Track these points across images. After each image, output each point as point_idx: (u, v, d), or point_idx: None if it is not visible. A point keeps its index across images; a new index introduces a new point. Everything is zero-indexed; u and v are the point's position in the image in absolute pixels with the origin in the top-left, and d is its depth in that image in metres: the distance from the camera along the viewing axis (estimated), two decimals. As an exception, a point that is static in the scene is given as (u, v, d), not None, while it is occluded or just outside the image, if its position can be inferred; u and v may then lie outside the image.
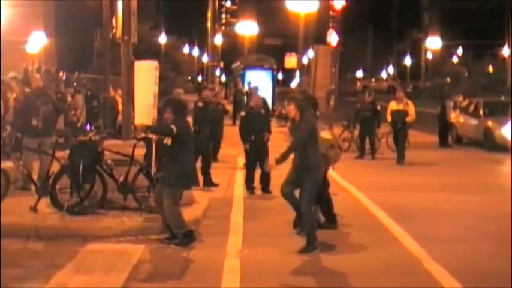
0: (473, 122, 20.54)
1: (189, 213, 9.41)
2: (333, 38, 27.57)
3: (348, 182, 13.04)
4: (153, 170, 9.03)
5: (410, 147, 18.27)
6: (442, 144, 20.89)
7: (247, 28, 49.68)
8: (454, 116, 21.32)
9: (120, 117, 15.43)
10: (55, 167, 9.71)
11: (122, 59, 11.36)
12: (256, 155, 11.78)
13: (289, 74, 60.41)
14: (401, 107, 16.73)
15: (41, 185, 9.67)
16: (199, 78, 54.19)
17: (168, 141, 8.23)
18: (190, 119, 10.56)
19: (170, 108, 8.33)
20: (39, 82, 11.91)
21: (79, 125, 16.29)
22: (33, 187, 9.92)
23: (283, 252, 8.07)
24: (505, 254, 7.96)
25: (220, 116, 15.58)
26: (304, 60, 45.96)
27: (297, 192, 8.37)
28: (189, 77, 58.81)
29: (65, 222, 8.84)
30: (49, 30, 36.08)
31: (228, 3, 45.58)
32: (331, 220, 9.30)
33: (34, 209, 9.18)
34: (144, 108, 9.88)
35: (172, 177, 8.30)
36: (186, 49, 63.55)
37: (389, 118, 17.00)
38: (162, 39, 48.89)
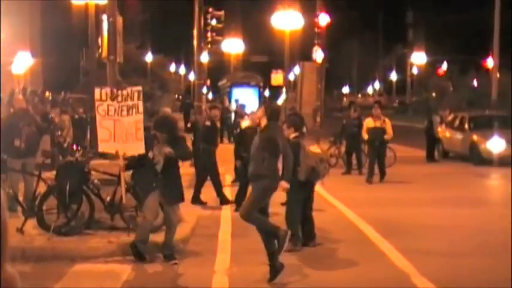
0: (459, 136, 20.68)
1: (177, 232, 9.38)
2: (318, 54, 27.80)
3: (335, 198, 13.08)
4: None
5: (397, 162, 18.39)
6: (428, 159, 21.00)
7: (233, 46, 49.89)
8: (441, 131, 21.47)
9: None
10: (42, 188, 9.68)
11: (108, 79, 11.39)
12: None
13: (275, 90, 60.63)
14: (378, 124, 16.09)
15: (28, 206, 9.63)
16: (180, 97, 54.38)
17: (160, 161, 8.28)
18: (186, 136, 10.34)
19: (166, 129, 8.40)
20: (22, 103, 11.90)
21: (65, 145, 16.24)
22: (19, 208, 9.87)
23: (266, 268, 8.05)
24: (492, 268, 8.01)
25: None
26: (291, 77, 46.18)
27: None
28: (176, 95, 58.86)
29: (52, 243, 8.80)
30: (35, 51, 36.07)
31: (214, 22, 45.77)
32: (309, 238, 9.29)
33: (21, 230, 9.14)
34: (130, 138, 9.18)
35: (176, 193, 8.45)
36: (172, 67, 63.69)
37: (365, 136, 16.43)
38: (149, 57, 48.98)
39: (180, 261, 8.45)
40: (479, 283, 7.59)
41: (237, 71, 45.29)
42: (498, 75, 29.39)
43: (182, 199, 8.62)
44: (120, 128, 8.99)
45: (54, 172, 9.74)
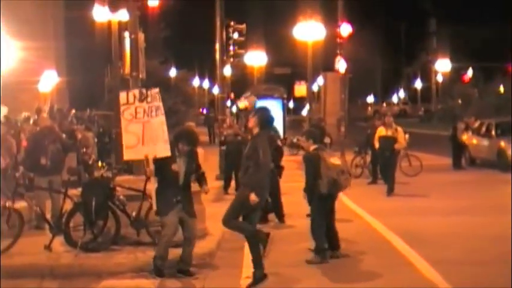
0: (486, 143, 20.45)
1: (203, 246, 9.43)
2: (341, 64, 27.70)
3: (361, 208, 13.00)
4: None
5: (424, 171, 18.22)
6: (455, 167, 20.79)
7: (256, 58, 49.99)
8: (467, 138, 21.25)
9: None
10: (68, 205, 9.77)
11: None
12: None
13: (299, 102, 60.58)
14: (389, 133, 15.58)
15: (55, 224, 9.72)
16: (204, 111, 54.56)
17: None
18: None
19: (187, 141, 8.44)
20: (47, 121, 12.05)
21: (90, 162, 16.38)
22: (47, 226, 9.97)
23: (297, 282, 8.03)
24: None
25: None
26: (314, 88, 46.13)
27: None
28: (200, 110, 59.12)
29: (79, 260, 8.87)
30: (61, 69, 36.54)
31: (236, 35, 45.99)
32: (334, 248, 9.23)
33: (48, 247, 9.23)
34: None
35: (193, 206, 8.52)
36: (196, 82, 64.01)
37: (376, 145, 16.00)
38: (172, 72, 49.26)
39: (206, 275, 8.45)
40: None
41: (260, 84, 45.31)
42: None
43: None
44: (150, 130, 8.80)
45: (80, 189, 9.81)
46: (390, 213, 12.70)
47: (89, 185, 9.65)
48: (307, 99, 36.62)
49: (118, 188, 9.64)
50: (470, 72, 59.91)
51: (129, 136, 8.90)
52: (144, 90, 9.05)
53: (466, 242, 10.04)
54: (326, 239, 9.09)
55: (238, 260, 9.22)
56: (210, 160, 19.87)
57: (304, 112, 45.40)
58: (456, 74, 59.93)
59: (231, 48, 43.94)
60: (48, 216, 10.37)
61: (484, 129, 21.05)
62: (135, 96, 8.93)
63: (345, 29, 27.54)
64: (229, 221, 8.08)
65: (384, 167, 15.81)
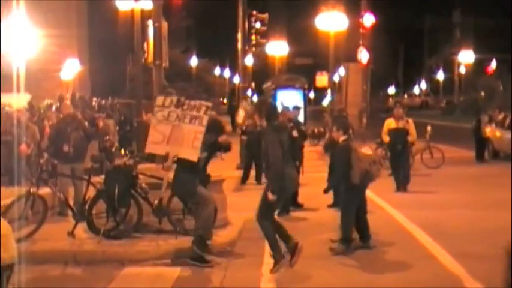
0: (510, 135, 20.22)
1: (224, 235, 9.46)
2: (363, 55, 27.59)
3: (383, 200, 12.92)
4: None
5: (446, 163, 18.08)
6: (478, 159, 20.60)
7: (278, 48, 49.83)
8: (490, 131, 21.03)
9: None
10: (91, 192, 9.82)
11: (154, 83, 11.51)
12: None
13: (320, 92, 60.40)
14: (400, 125, 14.46)
15: (78, 211, 9.78)
16: (225, 100, 54.54)
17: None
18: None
19: (214, 131, 8.55)
20: (70, 109, 12.10)
21: (113, 149, 16.47)
22: (70, 212, 10.04)
23: (318, 272, 8.02)
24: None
25: None
26: (336, 79, 45.92)
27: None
28: (221, 99, 59.15)
29: (102, 247, 8.92)
30: (83, 57, 36.76)
31: (258, 25, 45.82)
32: (365, 240, 9.21)
33: (71, 234, 9.29)
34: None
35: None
36: (217, 71, 64.08)
37: (386, 138, 14.71)
38: (194, 62, 49.37)
39: (227, 264, 8.46)
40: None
41: (281, 74, 45.12)
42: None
43: None
44: (178, 132, 8.87)
45: (102, 176, 9.86)
46: (412, 205, 12.61)
47: (112, 173, 9.69)
48: (329, 90, 36.50)
49: (140, 176, 9.67)
50: (493, 64, 59.27)
51: (155, 133, 9.06)
52: (183, 98, 9.15)
53: (490, 237, 9.91)
54: (355, 230, 9.06)
55: (260, 249, 9.20)
56: (232, 149, 19.83)
57: (325, 102, 45.26)
58: (479, 66, 59.35)
59: (253, 37, 43.78)
60: (71, 203, 10.44)
61: (507, 122, 20.82)
62: (171, 102, 9.07)
63: (368, 20, 27.41)
64: (261, 220, 8.13)
65: (394, 161, 14.65)
